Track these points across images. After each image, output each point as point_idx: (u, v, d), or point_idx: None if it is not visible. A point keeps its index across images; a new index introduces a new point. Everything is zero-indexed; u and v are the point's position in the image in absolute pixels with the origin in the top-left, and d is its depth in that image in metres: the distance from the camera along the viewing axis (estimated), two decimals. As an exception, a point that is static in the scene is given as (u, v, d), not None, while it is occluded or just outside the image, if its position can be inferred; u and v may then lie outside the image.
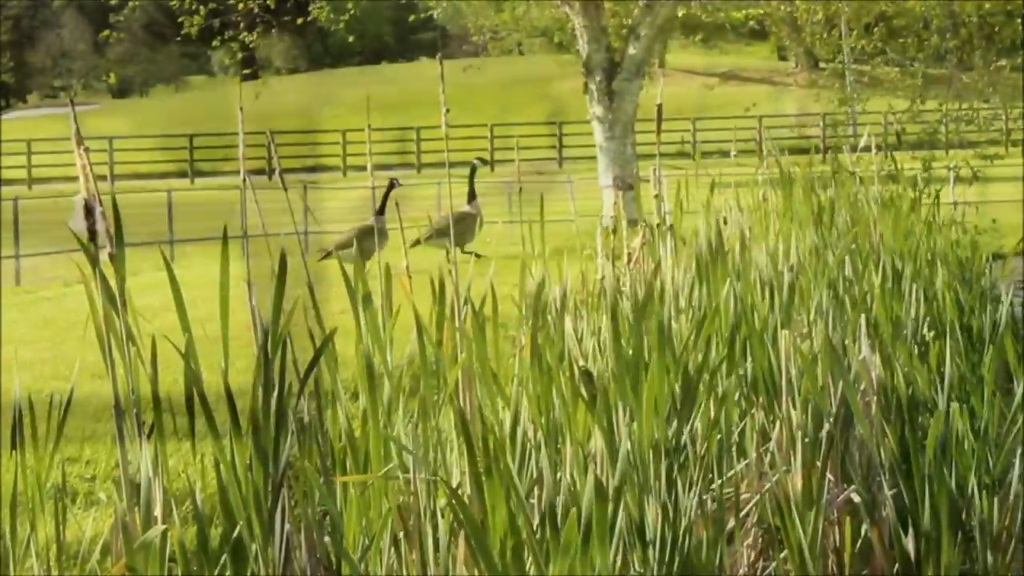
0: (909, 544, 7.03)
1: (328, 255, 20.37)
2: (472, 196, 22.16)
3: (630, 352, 6.37)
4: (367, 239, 19.16)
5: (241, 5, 26.18)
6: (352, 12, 26.38)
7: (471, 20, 41.71)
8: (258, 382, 4.97)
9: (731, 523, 7.31)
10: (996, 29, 23.55)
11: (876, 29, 24.70)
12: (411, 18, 32.68)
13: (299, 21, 26.66)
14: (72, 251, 5.21)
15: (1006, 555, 7.33)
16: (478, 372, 5.94)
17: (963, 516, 7.27)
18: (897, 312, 10.01)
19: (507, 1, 51.46)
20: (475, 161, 22.88)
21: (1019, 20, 23.69)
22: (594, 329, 7.75)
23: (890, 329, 9.52)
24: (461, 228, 21.04)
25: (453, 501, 5.20)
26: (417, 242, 20.80)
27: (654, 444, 6.36)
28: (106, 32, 33.25)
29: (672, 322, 7.39)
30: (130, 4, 26.68)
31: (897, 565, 7.11)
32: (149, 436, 4.76)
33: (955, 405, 7.41)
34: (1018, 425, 7.84)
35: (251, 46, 26.91)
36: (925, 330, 10.63)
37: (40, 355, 12.41)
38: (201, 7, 26.29)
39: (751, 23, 31.46)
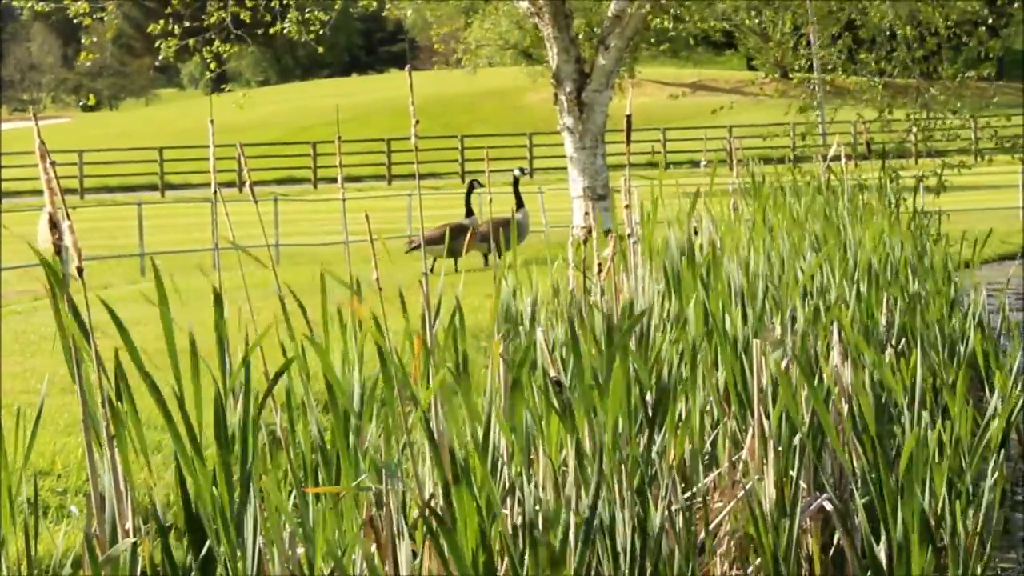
0: (881, 552, 7.03)
1: (416, 247, 20.73)
2: (519, 204, 22.38)
3: (592, 368, 6.35)
4: (458, 238, 19.52)
5: (214, 19, 26.19)
6: (323, 26, 26.37)
7: (436, 33, 41.60)
8: (219, 392, 4.95)
9: (703, 533, 7.31)
10: (963, 39, 23.63)
11: (841, 39, 24.78)
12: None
13: (272, 31, 26.61)
14: (41, 265, 5.18)
15: (978, 562, 7.33)
16: (447, 385, 5.91)
17: (934, 525, 7.27)
18: (870, 320, 10.01)
19: (476, 13, 51.34)
20: (516, 171, 23.14)
21: (984, 30, 23.78)
22: (566, 340, 7.73)
23: (863, 338, 9.53)
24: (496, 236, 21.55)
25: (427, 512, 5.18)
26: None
27: (622, 458, 6.34)
28: (85, 55, 33.17)
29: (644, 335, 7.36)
30: (109, 26, 26.62)
31: (870, 572, 7.11)
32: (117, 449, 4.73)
33: (925, 415, 7.41)
34: (990, 432, 7.86)
35: (224, 59, 26.86)
36: (896, 338, 10.65)
37: (10, 369, 12.33)
38: (176, 27, 26.31)
39: (718, 35, 31.51)
